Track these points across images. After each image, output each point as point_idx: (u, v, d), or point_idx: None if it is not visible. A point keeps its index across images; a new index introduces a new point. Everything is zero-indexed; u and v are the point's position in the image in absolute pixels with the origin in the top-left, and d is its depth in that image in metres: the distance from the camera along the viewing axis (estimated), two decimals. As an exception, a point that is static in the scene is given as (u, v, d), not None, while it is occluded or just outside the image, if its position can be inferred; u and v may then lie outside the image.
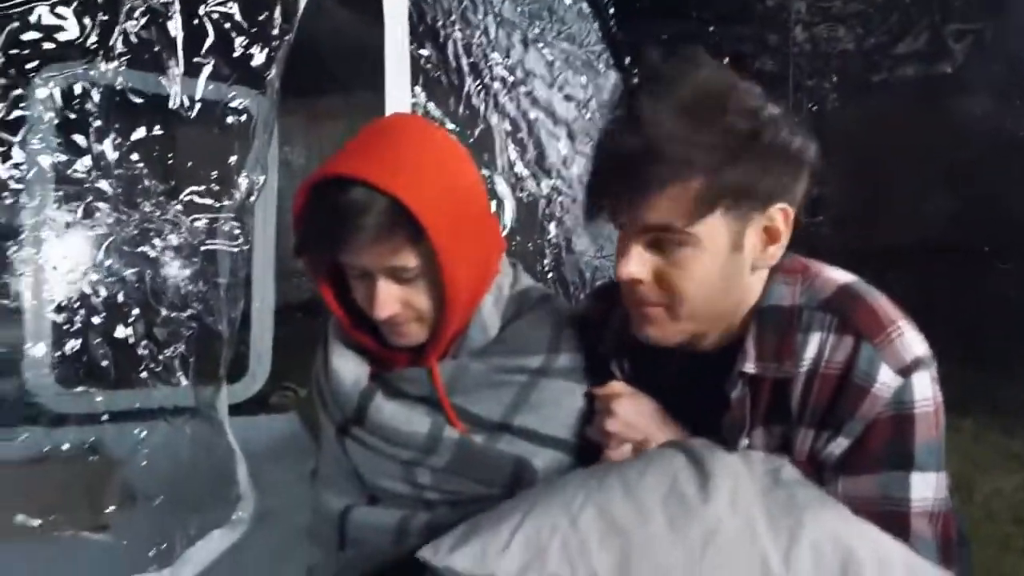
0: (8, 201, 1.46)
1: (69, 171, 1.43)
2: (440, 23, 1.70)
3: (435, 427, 0.98)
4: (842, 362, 0.86)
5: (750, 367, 0.91)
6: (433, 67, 1.71)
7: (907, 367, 0.85)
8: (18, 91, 1.37)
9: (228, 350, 1.74)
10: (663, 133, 0.82)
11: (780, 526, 0.77)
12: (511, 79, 1.82)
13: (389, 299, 0.94)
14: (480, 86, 1.79)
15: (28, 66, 1.42)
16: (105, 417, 1.66)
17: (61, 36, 1.42)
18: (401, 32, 1.68)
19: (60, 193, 1.44)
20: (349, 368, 1.03)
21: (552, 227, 1.86)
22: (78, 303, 1.49)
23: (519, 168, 1.80)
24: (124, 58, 1.46)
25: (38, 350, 1.66)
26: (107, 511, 1.66)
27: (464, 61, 1.76)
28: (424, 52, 1.69)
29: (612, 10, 1.89)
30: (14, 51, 1.37)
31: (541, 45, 1.85)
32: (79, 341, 1.43)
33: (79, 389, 1.58)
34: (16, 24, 1.37)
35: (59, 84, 1.54)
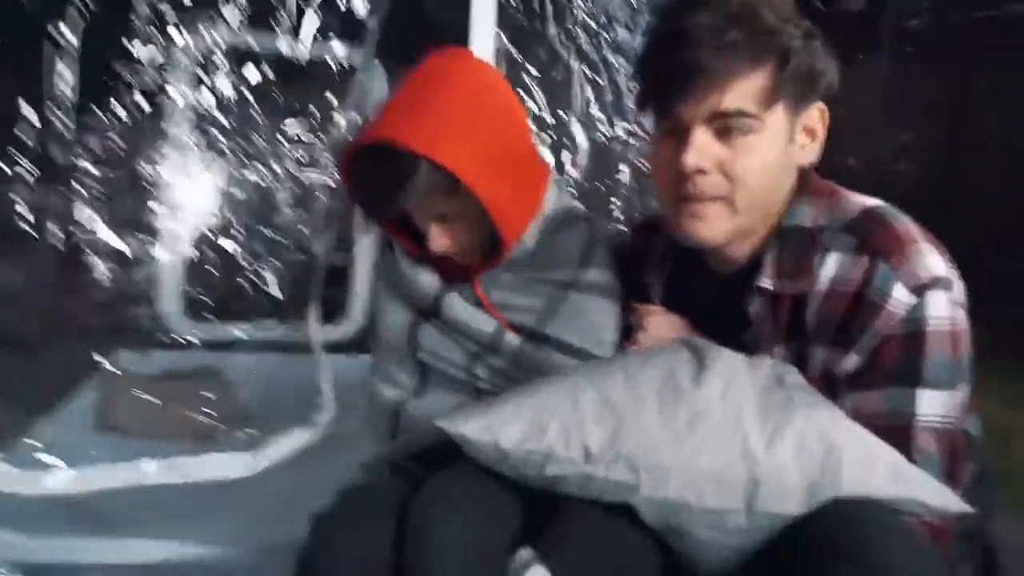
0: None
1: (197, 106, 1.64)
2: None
3: (498, 330, 1.08)
4: (858, 280, 0.88)
5: (767, 283, 0.94)
6: (518, 12, 1.78)
7: (922, 285, 0.86)
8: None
9: (321, 269, 1.93)
10: (746, 19, 0.87)
11: (769, 417, 0.82)
12: (593, 24, 1.86)
13: (440, 239, 1.06)
14: (563, 31, 1.84)
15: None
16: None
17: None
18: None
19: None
20: (421, 270, 1.14)
21: (625, 169, 1.90)
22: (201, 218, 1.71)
23: (595, 111, 1.85)
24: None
25: (169, 284, 1.89)
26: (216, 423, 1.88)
27: (549, 7, 1.82)
28: (511, -1, 1.77)
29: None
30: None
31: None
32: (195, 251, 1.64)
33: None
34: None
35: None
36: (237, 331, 1.93)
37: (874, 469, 0.79)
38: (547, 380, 0.93)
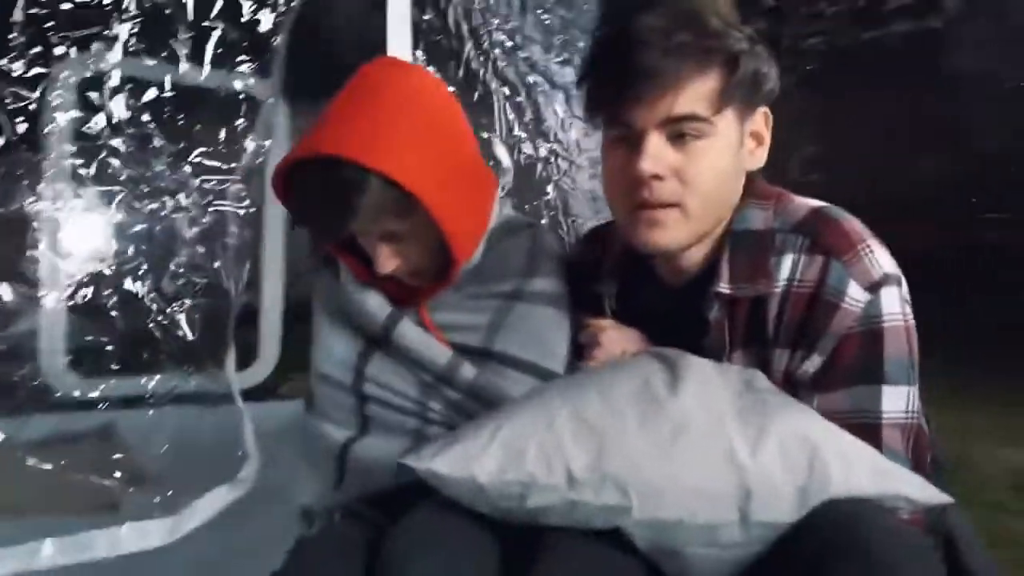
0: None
1: (84, 128, 1.48)
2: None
3: (453, 360, 1.02)
4: (813, 280, 0.89)
5: (724, 287, 0.94)
6: (434, 31, 1.74)
7: (875, 283, 0.87)
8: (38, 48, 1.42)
9: (235, 309, 1.78)
10: (685, 19, 0.86)
11: (749, 422, 0.80)
12: (509, 44, 1.85)
13: (388, 259, 0.99)
14: (479, 51, 1.82)
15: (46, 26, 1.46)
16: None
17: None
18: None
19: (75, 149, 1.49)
20: (371, 293, 1.06)
21: (550, 189, 1.89)
22: (92, 260, 1.54)
23: (517, 131, 1.83)
24: (136, 21, 1.51)
25: (53, 336, 1.70)
26: (117, 490, 1.69)
27: (464, 27, 1.80)
28: (426, 17, 1.73)
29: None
30: (32, 10, 1.41)
31: (540, 11, 1.88)
32: (90, 290, 1.47)
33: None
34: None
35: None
36: (131, 384, 1.75)
37: (857, 468, 0.78)
38: (515, 403, 0.88)
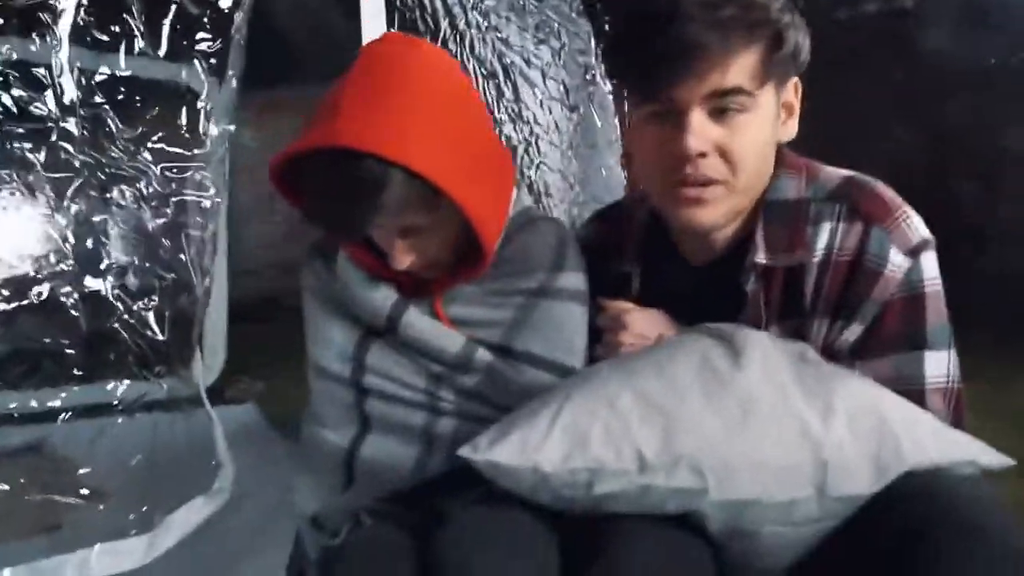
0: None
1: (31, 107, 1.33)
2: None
3: (467, 347, 0.95)
4: (853, 248, 0.87)
5: (761, 258, 0.91)
6: (408, 9, 1.66)
7: (915, 248, 0.87)
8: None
9: (202, 307, 1.66)
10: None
11: (814, 394, 0.77)
12: (485, 23, 1.78)
13: (405, 254, 0.92)
14: (454, 31, 1.75)
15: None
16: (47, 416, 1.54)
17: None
18: (375, -29, 1.63)
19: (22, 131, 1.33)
20: (374, 282, 0.98)
21: (532, 172, 1.84)
22: (45, 256, 1.39)
23: (497, 113, 1.77)
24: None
25: None
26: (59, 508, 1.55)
27: (439, 4, 1.72)
28: (400, -6, 1.64)
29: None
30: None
31: (514, -11, 1.82)
32: (46, 287, 1.32)
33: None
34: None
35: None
36: (89, 392, 1.59)
37: (924, 436, 0.76)
38: (567, 386, 0.82)
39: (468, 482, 0.81)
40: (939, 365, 0.87)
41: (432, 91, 0.89)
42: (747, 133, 0.86)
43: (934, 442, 0.75)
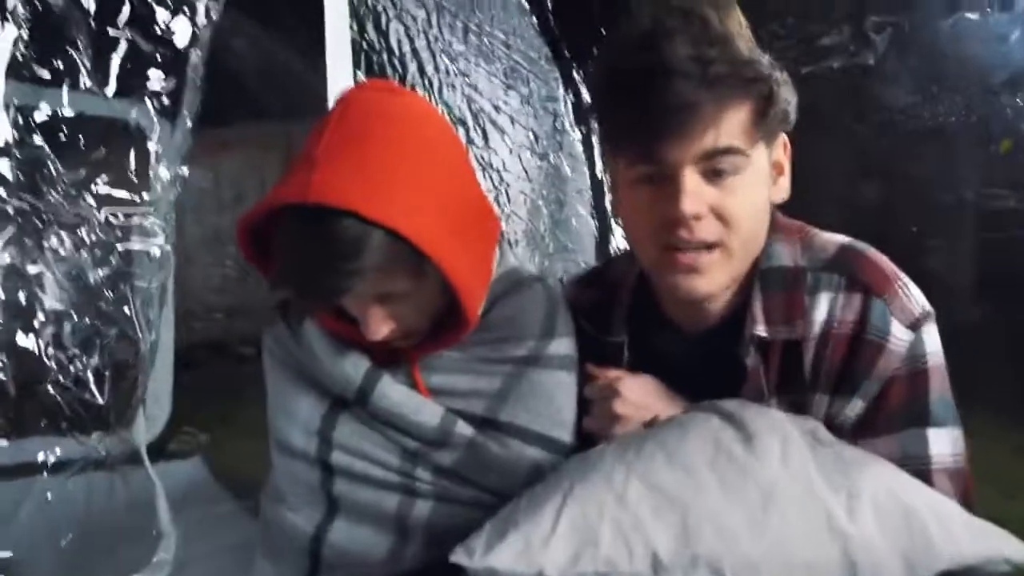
0: None
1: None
2: (381, 6, 1.59)
3: (447, 420, 0.87)
4: (853, 320, 0.83)
5: (760, 330, 0.86)
6: (376, 52, 1.59)
7: (916, 320, 0.83)
8: None
9: (147, 364, 1.52)
10: (718, 47, 0.77)
11: (836, 482, 0.71)
12: (454, 68, 1.73)
13: (382, 323, 0.83)
14: (423, 76, 1.68)
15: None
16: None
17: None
18: (340, 11, 1.56)
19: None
20: (343, 349, 0.89)
21: (503, 224, 1.77)
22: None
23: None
24: (26, 22, 1.25)
25: None
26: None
27: (407, 47, 1.66)
28: (368, 36, 1.57)
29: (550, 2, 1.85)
30: None
31: (482, 35, 1.77)
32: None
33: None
34: None
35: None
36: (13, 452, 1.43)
37: (953, 527, 0.71)
38: (568, 473, 0.74)
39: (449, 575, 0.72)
40: (944, 443, 0.83)
41: (417, 144, 0.81)
42: (742, 194, 0.82)
43: (967, 536, 0.70)
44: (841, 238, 0.91)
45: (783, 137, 0.89)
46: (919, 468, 0.81)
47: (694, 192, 0.80)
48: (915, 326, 0.82)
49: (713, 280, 0.84)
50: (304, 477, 0.90)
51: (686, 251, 0.82)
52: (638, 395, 0.88)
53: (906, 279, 0.86)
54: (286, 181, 0.77)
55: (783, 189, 0.91)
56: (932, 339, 0.84)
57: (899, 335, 0.82)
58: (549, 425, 0.88)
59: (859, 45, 1.70)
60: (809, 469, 0.71)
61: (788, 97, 0.85)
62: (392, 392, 0.87)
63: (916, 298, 0.84)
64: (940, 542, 0.68)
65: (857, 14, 1.73)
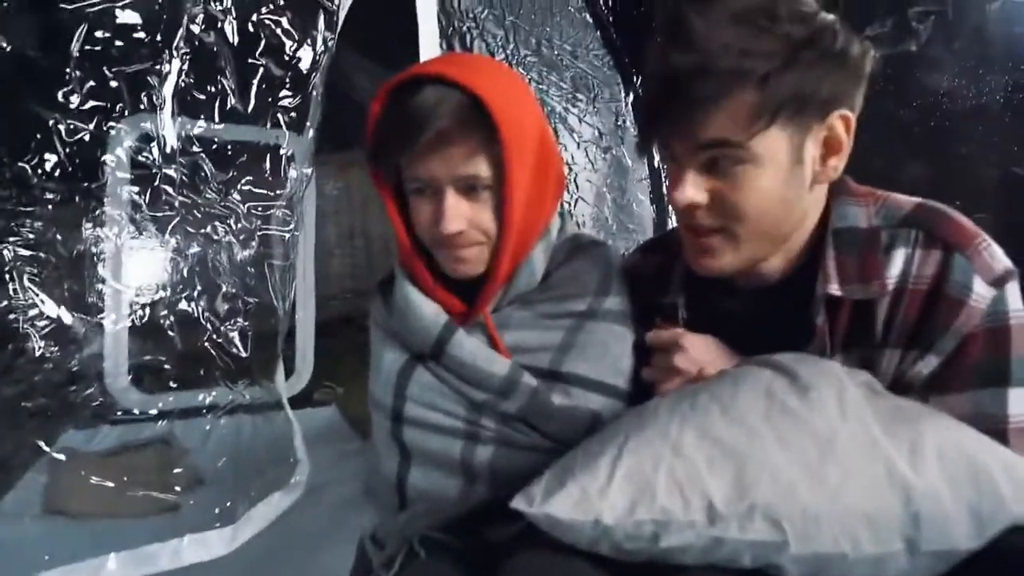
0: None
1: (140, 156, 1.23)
2: (465, 28, 1.51)
3: (514, 370, 0.78)
4: (932, 275, 0.68)
5: (834, 289, 0.71)
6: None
7: (999, 277, 0.67)
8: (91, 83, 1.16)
9: (283, 325, 1.53)
10: (714, 45, 0.64)
11: (897, 432, 0.58)
12: (528, 77, 1.63)
13: (457, 213, 0.74)
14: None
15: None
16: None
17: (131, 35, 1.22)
18: (432, 33, 1.50)
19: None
20: (428, 302, 0.81)
21: (571, 205, 1.67)
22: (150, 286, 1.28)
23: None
24: (186, 57, 1.26)
25: (116, 356, 1.46)
26: (176, 492, 1.45)
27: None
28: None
29: (611, 19, 1.72)
30: (88, 47, 1.16)
31: (552, 48, 1.67)
32: (147, 311, 1.21)
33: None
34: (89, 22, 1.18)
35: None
36: (187, 398, 1.49)
37: (1022, 481, 0.55)
38: (623, 426, 0.64)
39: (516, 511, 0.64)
40: (1023, 403, 0.66)
41: (513, 77, 0.78)
42: (747, 185, 0.68)
43: (1036, 490, 0.55)
44: (916, 199, 0.74)
45: (838, 113, 0.70)
46: (995, 427, 0.65)
47: (692, 181, 0.69)
48: (998, 283, 0.67)
49: (722, 260, 0.73)
50: (385, 426, 0.84)
51: (698, 233, 0.73)
52: (699, 351, 0.76)
53: (987, 237, 0.69)
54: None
55: (832, 168, 0.73)
56: (1015, 297, 0.68)
57: (981, 291, 0.66)
58: (607, 373, 0.79)
59: (903, 34, 1.48)
60: (867, 419, 0.58)
61: (811, 80, 0.66)
62: (467, 342, 0.79)
63: (998, 256, 0.68)
64: (1009, 496, 0.54)
65: (900, 4, 1.50)
